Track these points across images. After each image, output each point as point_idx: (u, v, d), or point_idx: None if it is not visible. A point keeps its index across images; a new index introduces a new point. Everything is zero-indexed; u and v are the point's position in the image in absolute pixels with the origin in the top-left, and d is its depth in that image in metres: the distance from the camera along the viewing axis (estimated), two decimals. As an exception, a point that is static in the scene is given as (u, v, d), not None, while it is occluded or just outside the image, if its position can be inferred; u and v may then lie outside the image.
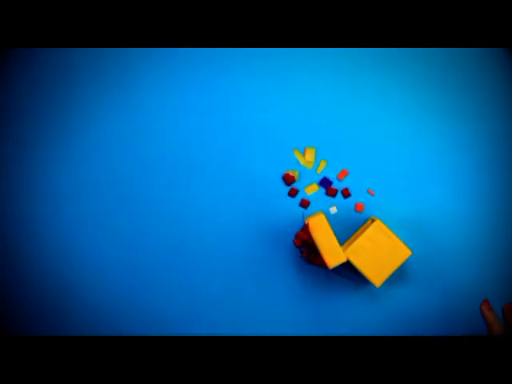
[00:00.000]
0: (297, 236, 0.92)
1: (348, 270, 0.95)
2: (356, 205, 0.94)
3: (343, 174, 0.95)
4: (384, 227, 0.89)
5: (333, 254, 0.87)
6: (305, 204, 0.95)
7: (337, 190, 0.95)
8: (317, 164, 0.95)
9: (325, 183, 0.95)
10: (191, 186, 0.95)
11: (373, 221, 0.91)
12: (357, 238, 0.90)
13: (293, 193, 0.95)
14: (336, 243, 0.87)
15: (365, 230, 0.90)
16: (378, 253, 0.89)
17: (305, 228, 0.90)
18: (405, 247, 0.89)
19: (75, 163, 0.95)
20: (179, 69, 0.96)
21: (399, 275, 0.94)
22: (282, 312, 0.95)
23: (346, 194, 0.95)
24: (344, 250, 0.89)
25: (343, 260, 0.87)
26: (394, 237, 0.89)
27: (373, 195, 0.94)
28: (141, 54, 0.95)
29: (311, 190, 0.95)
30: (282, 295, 0.95)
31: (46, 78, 0.94)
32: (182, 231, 0.95)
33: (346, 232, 0.95)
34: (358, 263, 0.89)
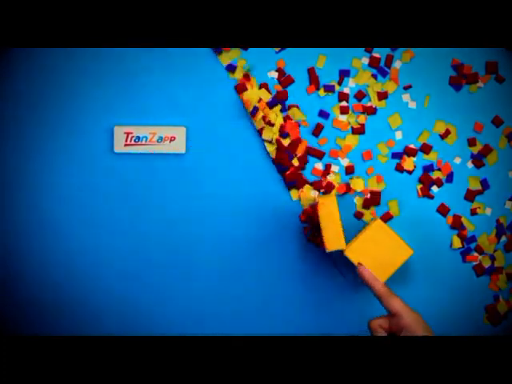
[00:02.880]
0: (304, 212, 0.92)
1: (348, 266, 0.95)
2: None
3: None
4: (385, 226, 0.89)
5: (333, 238, 0.87)
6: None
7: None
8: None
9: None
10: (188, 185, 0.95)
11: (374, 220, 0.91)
12: (358, 237, 0.89)
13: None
14: (339, 228, 0.87)
15: (366, 229, 0.90)
16: (379, 252, 0.89)
17: (314, 206, 0.90)
18: (406, 246, 0.89)
19: (77, 163, 0.94)
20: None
21: (401, 275, 0.94)
22: (283, 312, 0.95)
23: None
24: (345, 250, 0.89)
25: (342, 247, 0.87)
26: (395, 236, 0.89)
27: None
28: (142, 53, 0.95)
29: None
30: (283, 296, 0.95)
31: (46, 79, 0.94)
32: (181, 231, 0.95)
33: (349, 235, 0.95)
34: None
